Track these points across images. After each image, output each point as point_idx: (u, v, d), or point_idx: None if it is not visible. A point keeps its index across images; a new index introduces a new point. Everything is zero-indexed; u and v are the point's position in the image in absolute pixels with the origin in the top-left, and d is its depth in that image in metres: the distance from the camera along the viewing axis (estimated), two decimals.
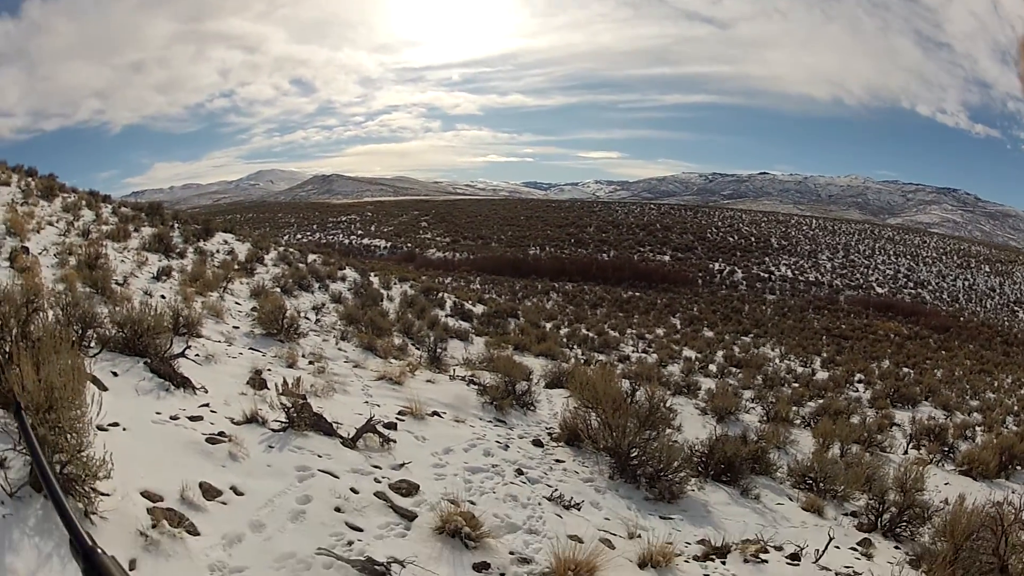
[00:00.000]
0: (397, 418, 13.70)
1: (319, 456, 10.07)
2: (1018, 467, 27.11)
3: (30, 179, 42.70)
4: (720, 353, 63.89)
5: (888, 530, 15.21)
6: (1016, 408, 52.64)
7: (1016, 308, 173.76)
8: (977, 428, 38.66)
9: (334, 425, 11.23)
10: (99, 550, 1.87)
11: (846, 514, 16.40)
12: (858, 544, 13.81)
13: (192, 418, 10.12)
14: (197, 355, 14.37)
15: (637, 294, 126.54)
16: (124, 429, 8.63)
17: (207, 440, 9.25)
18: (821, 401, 39.48)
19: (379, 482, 9.80)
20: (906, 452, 28.66)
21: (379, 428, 11.86)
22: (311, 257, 50.37)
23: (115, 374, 11.08)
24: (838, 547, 12.45)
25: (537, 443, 15.15)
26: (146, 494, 7.16)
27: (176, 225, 44.12)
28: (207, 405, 11.00)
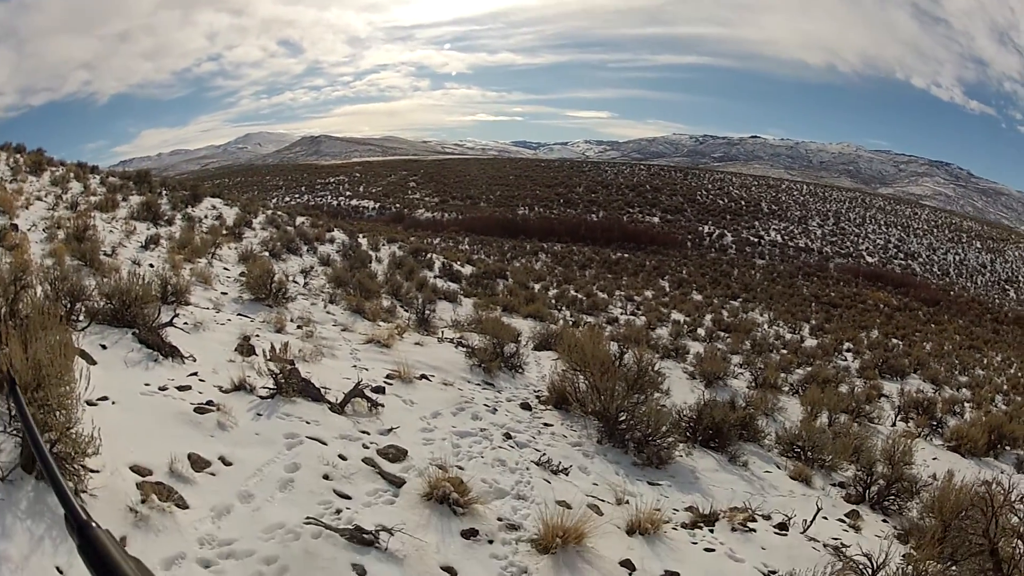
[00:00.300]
0: (385, 382, 13.69)
1: (307, 423, 10.07)
2: (1007, 447, 27.13)
3: (18, 156, 42.71)
4: (709, 317, 64.16)
5: (876, 503, 15.26)
6: (1006, 387, 52.88)
7: (1007, 287, 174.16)
8: (966, 404, 38.78)
9: (322, 390, 11.23)
10: (94, 524, 1.83)
11: (834, 484, 16.42)
12: (846, 516, 13.85)
13: (181, 388, 10.09)
14: (185, 323, 14.34)
15: (626, 255, 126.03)
16: (113, 403, 8.60)
17: (195, 410, 9.22)
18: (809, 369, 39.63)
19: (367, 448, 9.84)
20: (894, 424, 28.78)
21: (367, 393, 11.87)
22: (299, 220, 50.27)
23: (104, 347, 11.02)
24: (826, 518, 12.48)
25: (525, 406, 15.18)
26: (135, 468, 7.16)
27: (164, 192, 44.06)
28: (195, 374, 10.97)
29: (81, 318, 11.89)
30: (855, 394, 32.83)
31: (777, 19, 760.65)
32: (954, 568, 9.44)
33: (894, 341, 71.21)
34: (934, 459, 22.76)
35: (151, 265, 23.30)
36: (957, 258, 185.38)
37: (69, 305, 12.00)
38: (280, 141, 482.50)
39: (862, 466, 16.34)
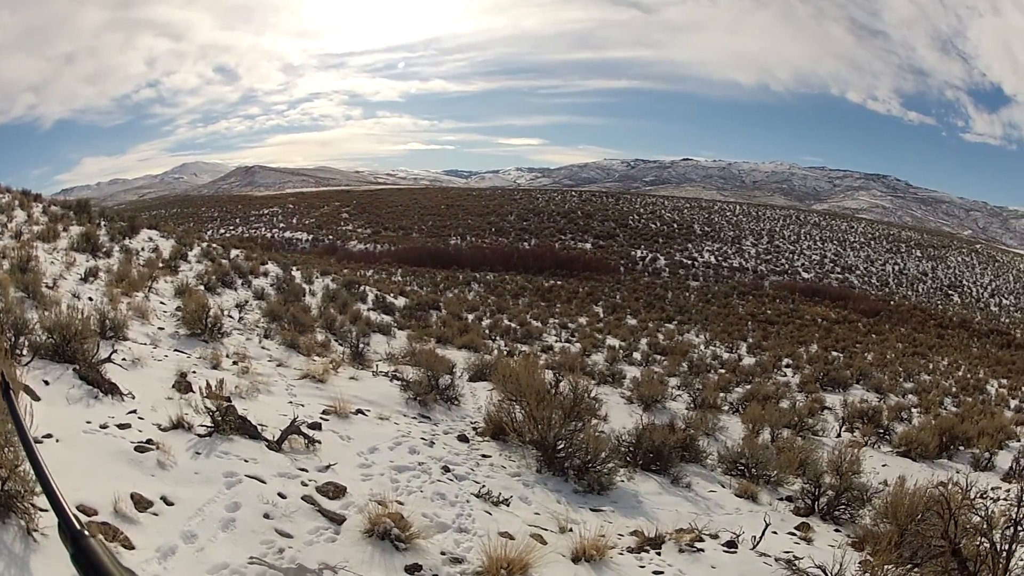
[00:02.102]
0: (321, 417, 13.65)
1: (245, 461, 10.02)
2: (960, 447, 27.67)
3: None
4: (644, 341, 64.17)
5: (826, 513, 15.44)
6: (954, 389, 54.10)
7: (951, 292, 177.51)
8: (913, 410, 39.51)
9: (259, 428, 11.20)
10: (87, 533, 1.85)
11: (781, 499, 16.58)
12: (796, 528, 13.95)
13: (121, 426, 9.98)
14: (124, 359, 14.20)
15: (559, 283, 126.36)
16: (57, 440, 8.52)
17: (136, 449, 9.15)
18: (749, 387, 39.84)
19: (306, 485, 9.81)
20: (839, 435, 29.17)
21: (303, 429, 11.84)
22: (234, 252, 49.97)
23: (46, 382, 10.90)
24: (775, 532, 12.55)
25: (463, 438, 15.26)
26: (81, 508, 7.05)
27: (103, 223, 43.53)
28: (135, 412, 10.84)
29: (25, 352, 11.79)
30: (797, 409, 33.00)
31: (708, 39, 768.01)
32: (915, 571, 9.48)
33: (834, 354, 71.98)
34: (884, 466, 23.14)
35: (90, 298, 22.93)
36: (896, 268, 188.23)
37: (13, 339, 11.89)
38: (215, 171, 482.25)
39: (809, 479, 16.51)
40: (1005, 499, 16.44)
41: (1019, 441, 31.10)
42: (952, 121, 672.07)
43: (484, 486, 11.87)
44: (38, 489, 6.24)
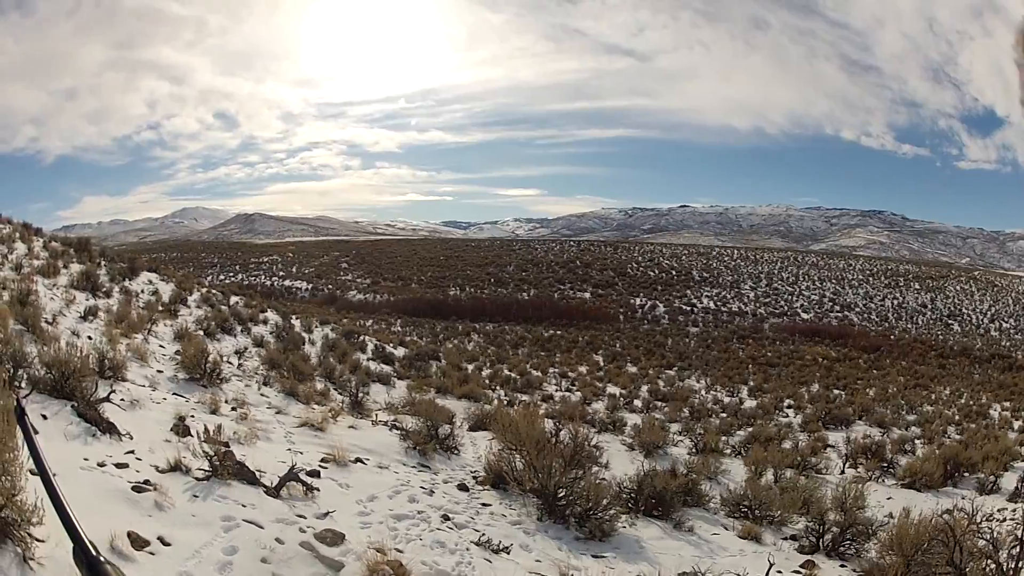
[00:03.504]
0: (320, 465, 13.63)
1: (243, 506, 9.98)
2: (965, 474, 27.61)
3: None
4: (645, 388, 64.04)
5: (831, 550, 15.39)
6: (957, 417, 54.16)
7: (951, 321, 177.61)
8: (917, 441, 39.35)
9: (257, 473, 11.14)
10: (103, 559, 1.84)
11: (785, 538, 16.54)
12: (801, 567, 13.88)
13: (118, 465, 9.96)
14: (122, 399, 14.12)
15: (558, 332, 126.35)
16: (55, 475, 8.41)
17: (133, 488, 9.11)
18: (751, 429, 39.81)
19: (304, 532, 9.70)
20: (843, 472, 28.98)
21: (302, 476, 11.80)
22: (233, 299, 49.93)
23: (44, 416, 10.91)
24: (780, 572, 12.50)
25: (463, 487, 15.15)
26: None
27: (103, 263, 43.47)
28: (132, 452, 10.82)
29: (23, 385, 11.78)
30: (799, 448, 33.27)
31: (702, 87, 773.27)
32: None
33: (836, 392, 71.84)
34: (889, 499, 23.02)
35: (89, 337, 22.80)
36: (895, 302, 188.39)
37: (12, 370, 11.91)
38: (216, 217, 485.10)
39: (813, 516, 16.48)
40: (1012, 519, 16.39)
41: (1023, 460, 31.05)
42: (946, 150, 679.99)
43: (484, 534, 11.82)
44: (34, 519, 6.20)
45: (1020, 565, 8.78)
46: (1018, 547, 8.83)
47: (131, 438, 11.51)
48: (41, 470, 2.06)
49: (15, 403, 2.31)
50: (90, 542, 1.78)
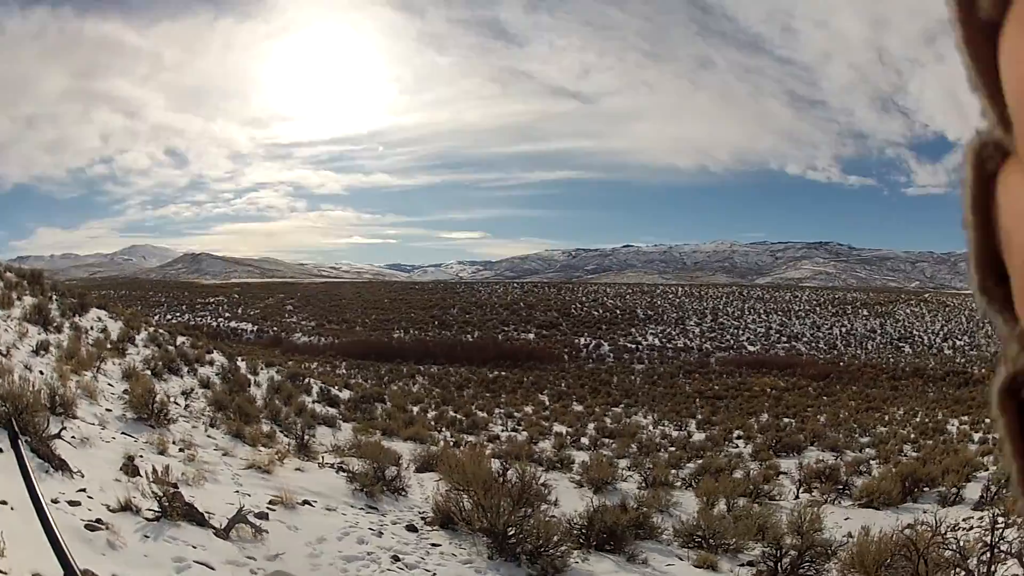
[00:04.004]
0: (268, 507, 13.61)
1: (194, 547, 10.02)
2: (925, 489, 27.92)
3: None
4: (591, 425, 63.78)
5: (791, 573, 15.46)
6: (913, 435, 54.70)
7: (901, 344, 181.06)
8: (872, 462, 39.98)
9: (206, 515, 11.17)
10: None
11: (742, 564, 16.69)
12: None
13: (71, 503, 9.97)
14: (73, 437, 14.03)
15: (503, 373, 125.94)
16: (12, 508, 8.44)
17: (86, 527, 9.15)
18: (700, 461, 39.74)
19: (255, 573, 9.88)
20: (797, 497, 29.10)
21: (250, 518, 11.84)
22: (180, 339, 49.57)
23: (0, 450, 10.75)
24: None
25: (411, 528, 15.16)
26: None
27: (54, 297, 43.07)
28: (84, 490, 10.79)
29: None
30: (751, 477, 33.20)
31: (647, 127, 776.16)
32: None
33: (786, 420, 72.16)
34: (847, 519, 23.28)
35: (41, 372, 22.56)
36: (844, 330, 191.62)
37: None
38: (163, 256, 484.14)
39: (769, 542, 16.55)
40: (979, 526, 16.54)
41: (986, 471, 31.38)
42: (894, 178, 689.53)
43: (435, 574, 11.97)
44: None
45: (993, 569, 8.85)
46: (988, 552, 8.90)
47: (82, 476, 11.44)
48: (33, 495, 2.04)
49: (10, 429, 2.29)
50: (78, 568, 1.76)
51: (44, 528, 1.89)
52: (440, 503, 15.70)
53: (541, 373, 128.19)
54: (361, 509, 16.00)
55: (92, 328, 39.83)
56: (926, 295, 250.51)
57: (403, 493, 18.63)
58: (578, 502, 20.71)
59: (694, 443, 52.74)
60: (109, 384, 25.83)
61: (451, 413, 61.95)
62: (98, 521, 9.38)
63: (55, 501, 9.60)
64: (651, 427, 66.29)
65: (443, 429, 50.44)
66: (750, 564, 16.62)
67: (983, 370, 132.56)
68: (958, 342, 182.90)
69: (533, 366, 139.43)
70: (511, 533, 13.90)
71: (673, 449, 48.73)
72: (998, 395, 0.44)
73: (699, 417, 75.94)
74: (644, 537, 18.02)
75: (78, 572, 1.76)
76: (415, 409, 58.91)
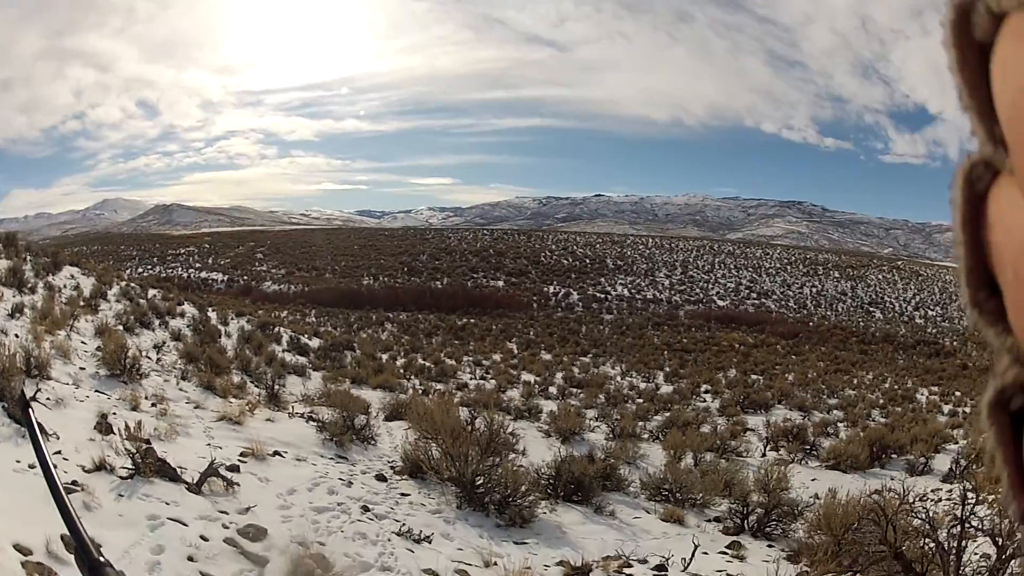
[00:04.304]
0: (239, 460, 13.69)
1: (167, 503, 10.04)
2: (893, 456, 28.34)
3: None
4: (560, 375, 64.05)
5: (757, 530, 15.68)
6: (882, 401, 55.46)
7: (872, 309, 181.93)
8: (840, 424, 40.28)
9: (178, 470, 11.19)
10: (103, 560, 1.77)
11: (709, 520, 16.87)
12: (727, 547, 14.10)
13: None
14: (48, 399, 13.95)
15: (472, 321, 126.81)
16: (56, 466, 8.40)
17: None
18: (668, 414, 40.29)
19: (227, 528, 9.85)
20: (764, 455, 29.55)
21: (222, 471, 11.85)
22: (151, 292, 49.36)
23: None
24: (706, 553, 12.66)
25: (381, 478, 15.29)
26: (18, 547, 7.01)
27: (28, 258, 42.82)
28: (60, 452, 10.76)
29: None
30: (719, 432, 33.50)
31: (622, 78, 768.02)
32: None
33: (754, 377, 72.69)
34: (814, 480, 23.40)
35: (16, 335, 22.35)
36: (814, 290, 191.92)
37: None
38: (135, 208, 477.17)
39: (736, 498, 16.77)
40: (948, 499, 16.71)
41: (956, 444, 31.78)
42: (871, 144, 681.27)
43: (405, 524, 11.95)
44: None
45: (964, 544, 8.95)
46: (959, 526, 9.00)
47: (58, 438, 11.44)
48: (43, 463, 2.05)
49: (20, 394, 2.29)
50: (93, 543, 1.79)
51: (56, 500, 1.92)
52: (409, 452, 15.93)
53: (510, 321, 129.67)
54: (331, 459, 16.17)
55: (65, 286, 39.72)
56: (899, 263, 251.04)
57: (372, 442, 18.81)
58: (546, 452, 20.95)
59: (662, 395, 53.13)
60: (82, 342, 25.75)
61: (420, 361, 62.23)
62: (73, 483, 9.37)
63: (32, 467, 9.49)
64: (619, 378, 66.91)
65: (412, 377, 50.66)
66: (716, 520, 16.79)
67: (955, 342, 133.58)
68: (930, 312, 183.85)
69: (502, 314, 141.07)
70: (479, 483, 14.10)
71: (641, 401, 49.32)
72: (987, 407, 0.45)
73: (667, 369, 76.75)
74: (611, 489, 18.27)
75: (89, 544, 1.79)
76: (384, 357, 59.13)
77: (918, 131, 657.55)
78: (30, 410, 2.31)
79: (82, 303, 35.93)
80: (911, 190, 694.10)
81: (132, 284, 51.16)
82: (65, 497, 1.89)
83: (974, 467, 24.80)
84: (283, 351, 44.92)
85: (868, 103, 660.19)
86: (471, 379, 57.15)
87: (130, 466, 10.54)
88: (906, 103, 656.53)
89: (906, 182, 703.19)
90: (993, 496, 10.91)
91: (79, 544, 1.77)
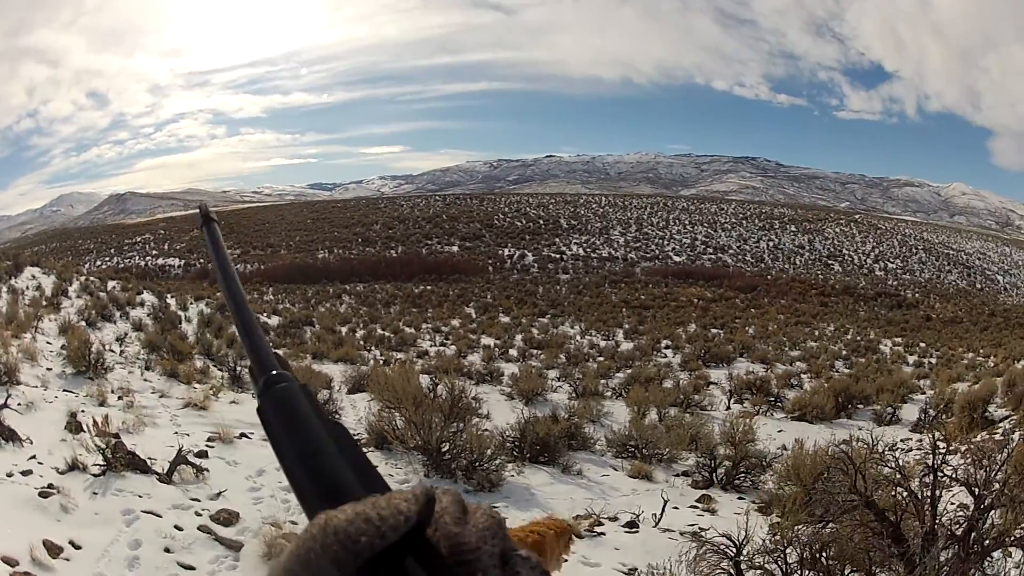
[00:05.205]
0: (207, 445, 13.74)
1: (140, 496, 10.10)
2: (859, 406, 28.60)
3: None
4: (519, 337, 63.94)
5: (726, 483, 15.94)
6: (844, 352, 56.07)
7: (831, 261, 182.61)
8: (803, 376, 40.48)
9: (148, 461, 11.22)
10: (276, 372, 1.46)
11: (677, 475, 17.08)
12: (697, 501, 14.31)
13: (24, 472, 10.00)
14: (19, 404, 13.99)
15: (429, 288, 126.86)
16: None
17: (40, 495, 9.16)
18: (630, 371, 40.33)
19: (200, 515, 9.95)
20: (729, 408, 29.58)
21: (191, 459, 11.91)
22: (111, 284, 49.38)
23: None
24: (676, 508, 12.84)
25: None
26: (5, 559, 7.11)
27: None
28: (34, 457, 10.81)
29: None
30: (681, 387, 33.55)
31: (569, 39, 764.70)
32: (832, 526, 9.64)
33: (714, 331, 73.12)
34: (780, 432, 23.53)
35: None
36: (771, 244, 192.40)
37: None
38: (90, 201, 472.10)
39: (703, 452, 16.93)
40: (919, 448, 16.90)
41: (923, 394, 31.91)
42: (825, 100, 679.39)
43: None
44: None
45: (939, 493, 9.06)
46: (931, 475, 9.10)
47: (31, 443, 11.47)
48: (225, 271, 1.89)
49: (200, 209, 2.14)
50: (275, 354, 1.59)
51: (236, 310, 1.73)
52: (373, 423, 15.99)
53: (466, 286, 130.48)
54: None
55: (28, 288, 40.02)
56: (857, 216, 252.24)
57: (337, 416, 18.84)
58: (509, 415, 21.08)
59: (622, 353, 53.27)
60: (48, 342, 25.73)
61: (379, 331, 62.08)
62: (50, 486, 9.43)
63: (9, 475, 9.70)
64: (578, 337, 67.04)
65: (372, 348, 50.65)
66: (685, 474, 17.00)
67: (917, 294, 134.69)
68: (890, 265, 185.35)
69: (458, 279, 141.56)
70: (445, 449, 14.24)
71: (601, 359, 49.34)
72: None
73: (626, 327, 77.27)
74: (577, 448, 18.44)
75: (270, 355, 1.53)
76: (343, 330, 59.15)
77: (873, 88, 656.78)
78: (212, 222, 2.23)
79: (45, 303, 36.00)
80: (867, 145, 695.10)
81: (91, 278, 51.13)
82: (246, 305, 1.73)
83: (944, 417, 25.17)
84: None
85: (822, 60, 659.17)
86: (431, 346, 57.02)
87: (101, 462, 10.56)
88: (861, 60, 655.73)
89: (862, 137, 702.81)
90: (965, 446, 11.06)
91: (258, 354, 1.58)
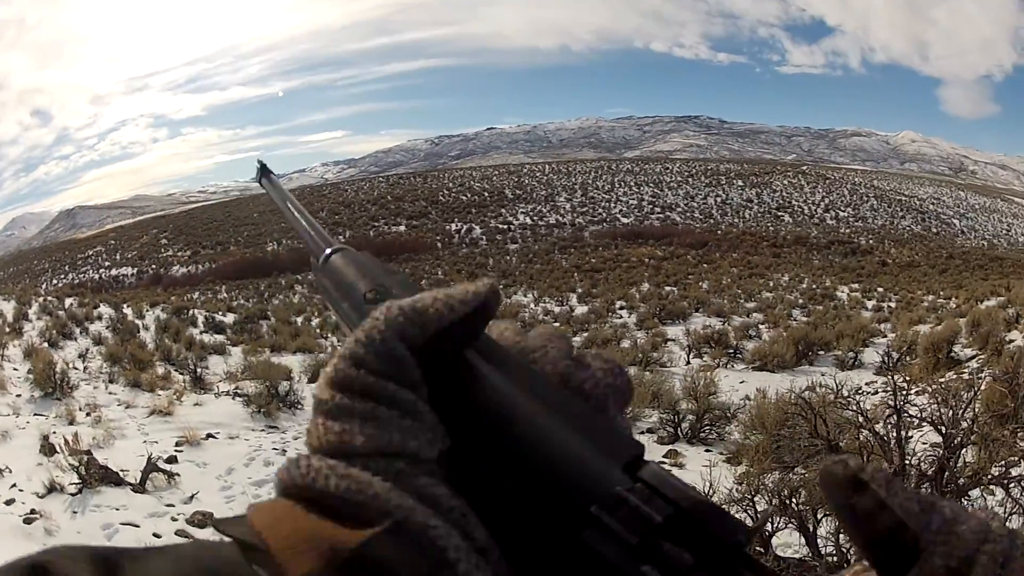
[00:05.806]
0: (176, 450, 13.86)
1: (116, 509, 10.26)
2: (820, 352, 28.64)
3: None
4: None
5: (692, 437, 16.07)
6: (801, 301, 56.53)
7: (781, 213, 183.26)
8: (761, 327, 40.56)
9: (121, 473, 11.37)
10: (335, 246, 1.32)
11: (642, 432, 17.01)
12: (664, 457, 14.47)
13: (7, 502, 10.14)
14: None
15: None
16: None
17: (24, 521, 9.33)
18: (586, 334, 40.59)
19: (176, 520, 10.14)
20: (688, 362, 29.40)
21: (161, 466, 12.05)
22: (68, 302, 49.21)
23: None
24: None
25: None
26: None
27: None
28: (15, 485, 10.94)
29: None
30: (639, 346, 33.65)
31: (504, 11, 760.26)
32: (799, 470, 9.84)
33: (668, 289, 73.47)
34: (742, 383, 23.63)
35: None
36: (719, 199, 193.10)
37: None
38: (41, 220, 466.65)
39: (666, 408, 17.03)
40: (885, 391, 17.24)
41: (884, 337, 32.07)
42: (766, 57, 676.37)
43: None
44: None
45: (908, 433, 9.25)
46: (895, 416, 9.28)
47: (11, 472, 11.60)
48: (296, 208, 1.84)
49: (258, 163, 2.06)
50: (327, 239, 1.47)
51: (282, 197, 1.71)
52: None
53: (416, 264, 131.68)
54: (262, 431, 16.57)
55: None
56: (804, 168, 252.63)
57: (299, 406, 19.13)
58: None
59: (577, 317, 53.47)
60: (14, 369, 25.53)
61: (333, 318, 61.95)
62: (32, 512, 9.63)
63: None
64: (532, 304, 67.48)
65: (329, 335, 50.45)
66: (650, 431, 17.07)
67: (871, 241, 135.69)
68: (841, 213, 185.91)
69: (408, 258, 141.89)
70: None
71: (557, 324, 48.93)
72: None
73: (579, 291, 76.98)
74: None
75: (325, 235, 1.47)
76: (299, 320, 59.14)
77: (815, 43, 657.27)
78: (269, 172, 2.26)
79: (8, 329, 35.76)
80: (811, 98, 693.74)
81: (49, 298, 50.96)
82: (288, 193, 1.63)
83: (908, 359, 25.54)
84: (200, 333, 44.98)
85: (762, 18, 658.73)
86: None
87: (77, 481, 10.72)
88: (802, 16, 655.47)
89: (807, 91, 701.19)
90: (932, 386, 11.27)
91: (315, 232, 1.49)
